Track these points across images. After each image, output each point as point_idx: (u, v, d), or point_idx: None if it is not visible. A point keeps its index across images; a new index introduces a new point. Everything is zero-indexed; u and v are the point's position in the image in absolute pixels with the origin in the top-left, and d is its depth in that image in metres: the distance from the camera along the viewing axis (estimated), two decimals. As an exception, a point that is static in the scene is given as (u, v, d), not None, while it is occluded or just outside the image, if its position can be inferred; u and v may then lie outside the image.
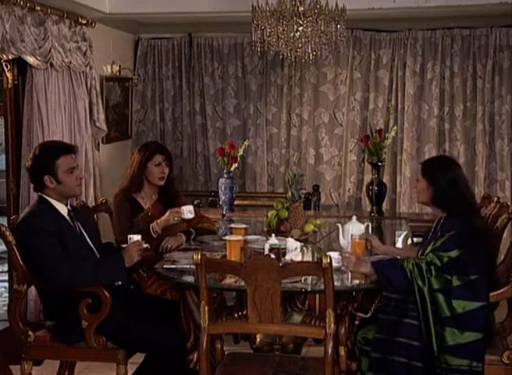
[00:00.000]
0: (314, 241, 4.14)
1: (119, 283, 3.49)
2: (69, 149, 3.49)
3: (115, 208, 4.21)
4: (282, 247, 3.52)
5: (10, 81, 4.97)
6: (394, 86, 6.53)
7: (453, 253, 3.11)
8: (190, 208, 4.05)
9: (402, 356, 3.08)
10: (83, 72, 5.38)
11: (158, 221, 4.04)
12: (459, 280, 3.08)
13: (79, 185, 3.51)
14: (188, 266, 3.46)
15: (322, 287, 2.86)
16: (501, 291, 3.23)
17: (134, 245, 3.50)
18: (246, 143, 5.79)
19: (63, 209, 3.45)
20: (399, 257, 3.55)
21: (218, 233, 4.39)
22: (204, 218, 4.41)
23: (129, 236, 3.66)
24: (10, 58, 4.63)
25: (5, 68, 4.93)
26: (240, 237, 3.73)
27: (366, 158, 5.84)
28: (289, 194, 4.31)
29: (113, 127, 6.30)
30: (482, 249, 3.19)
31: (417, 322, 3.08)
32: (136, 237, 3.63)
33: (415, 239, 4.13)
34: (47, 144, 3.65)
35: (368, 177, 6.39)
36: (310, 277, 3.19)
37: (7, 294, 5.60)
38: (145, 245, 3.65)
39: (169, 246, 4.00)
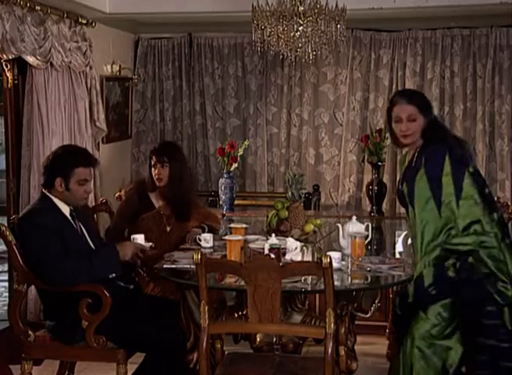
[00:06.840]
0: (314, 241, 4.14)
1: (114, 275, 3.46)
2: (91, 162, 3.51)
3: (123, 200, 4.32)
4: (282, 247, 3.52)
5: (10, 81, 4.96)
6: (394, 86, 6.51)
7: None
8: (209, 236, 3.97)
9: None
10: (83, 72, 5.37)
11: None
12: None
13: (85, 198, 3.54)
14: (188, 266, 3.46)
15: (322, 287, 2.86)
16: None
17: (134, 244, 3.52)
18: (246, 143, 5.79)
19: (65, 209, 3.46)
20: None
21: (218, 233, 4.39)
22: (211, 215, 4.47)
23: (132, 236, 3.68)
24: (10, 57, 4.62)
25: (5, 68, 4.92)
26: (240, 237, 3.73)
27: (366, 158, 5.83)
28: (289, 194, 4.31)
29: (113, 127, 6.29)
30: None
31: None
32: (140, 237, 3.66)
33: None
34: (72, 149, 3.67)
35: (367, 177, 6.38)
36: (310, 277, 3.19)
37: (7, 294, 5.60)
38: (149, 244, 3.67)
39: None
